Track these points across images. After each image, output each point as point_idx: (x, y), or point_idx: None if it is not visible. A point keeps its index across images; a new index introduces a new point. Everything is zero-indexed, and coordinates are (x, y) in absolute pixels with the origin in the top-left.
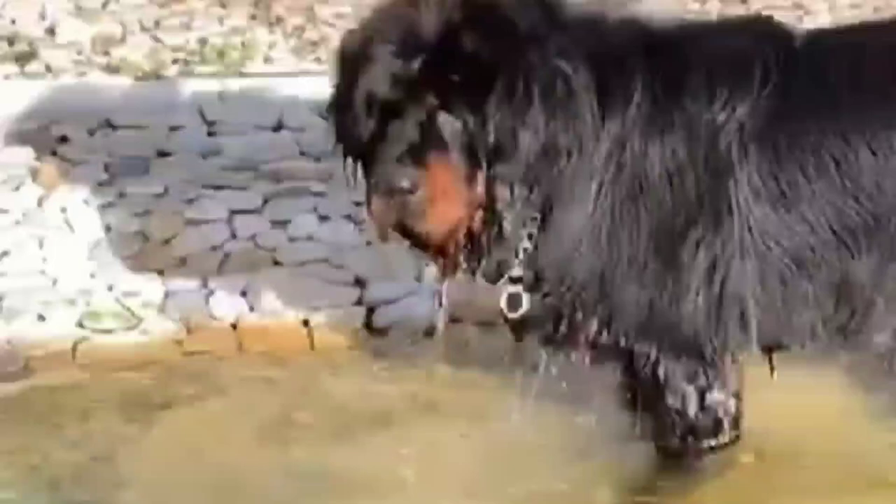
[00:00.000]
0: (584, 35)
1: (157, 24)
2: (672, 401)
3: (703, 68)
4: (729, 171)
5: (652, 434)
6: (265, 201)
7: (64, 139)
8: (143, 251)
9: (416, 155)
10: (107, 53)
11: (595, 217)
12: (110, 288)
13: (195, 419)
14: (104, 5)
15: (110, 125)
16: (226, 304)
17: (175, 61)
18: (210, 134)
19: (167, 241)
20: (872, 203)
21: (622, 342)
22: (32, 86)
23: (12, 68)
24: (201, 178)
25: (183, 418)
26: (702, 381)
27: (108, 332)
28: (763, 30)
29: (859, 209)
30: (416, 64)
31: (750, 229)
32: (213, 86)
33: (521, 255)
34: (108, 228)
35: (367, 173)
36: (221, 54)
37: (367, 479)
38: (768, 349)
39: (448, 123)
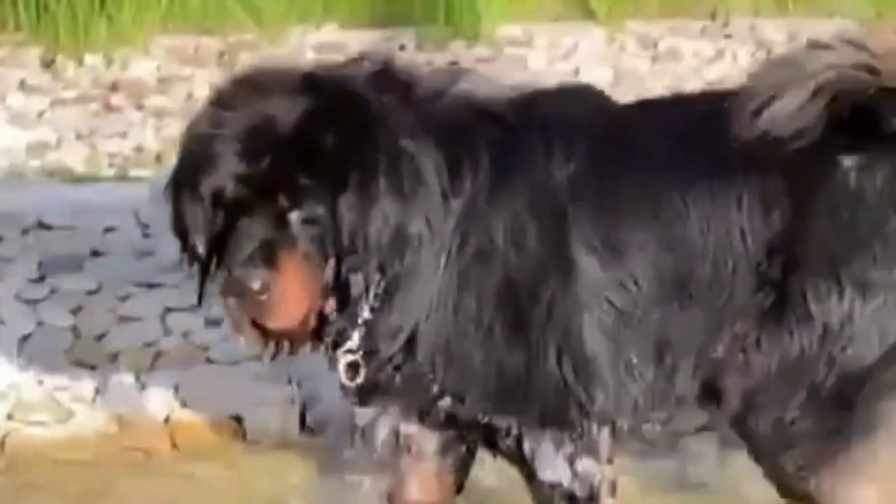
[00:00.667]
0: (430, 110)
1: (92, 132)
2: (543, 474)
3: (538, 132)
4: (567, 228)
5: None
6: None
7: None
8: (75, 346)
9: (267, 254)
10: (41, 158)
11: (441, 286)
12: (41, 382)
13: None
14: (39, 114)
15: (43, 226)
16: (158, 400)
17: (111, 165)
18: (145, 236)
19: (99, 338)
20: (683, 254)
21: (481, 416)
22: None
23: None
24: (135, 277)
25: None
26: (569, 448)
27: (39, 424)
28: (587, 95)
29: (673, 260)
30: (263, 164)
31: (589, 287)
32: (147, 189)
33: (359, 327)
34: (39, 323)
35: (218, 270)
36: (158, 158)
37: None
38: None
39: (298, 222)
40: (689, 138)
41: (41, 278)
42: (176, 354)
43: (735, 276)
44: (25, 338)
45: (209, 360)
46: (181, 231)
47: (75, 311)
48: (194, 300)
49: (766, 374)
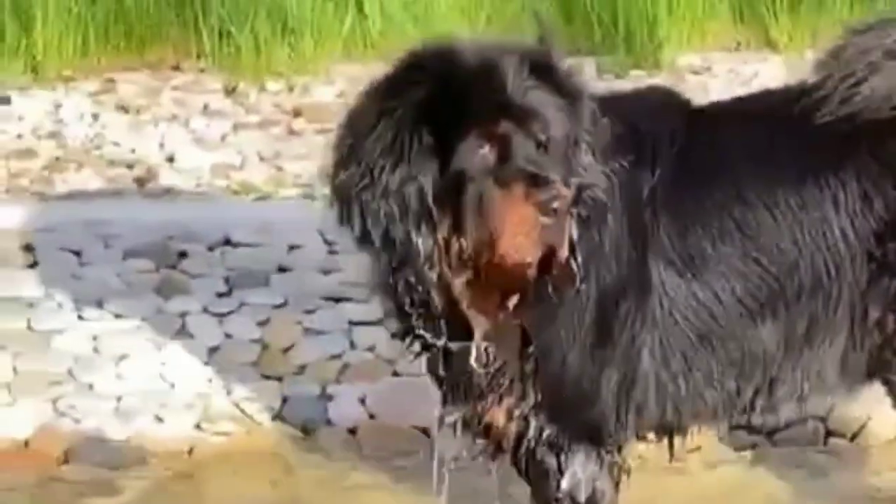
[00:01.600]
0: None
1: (276, 154)
2: (566, 487)
3: (630, 133)
4: (647, 240)
5: None
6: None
7: (183, 254)
8: (262, 358)
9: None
10: (227, 177)
11: None
12: (228, 392)
13: None
14: (222, 138)
15: (229, 243)
16: (345, 410)
17: (295, 185)
18: (330, 252)
19: (286, 350)
20: (774, 265)
21: (535, 425)
22: (152, 204)
23: (133, 188)
24: (320, 291)
25: None
26: (594, 467)
27: (226, 434)
28: (667, 98)
29: (762, 272)
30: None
31: (661, 302)
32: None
33: None
34: (227, 336)
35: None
36: None
37: None
38: (668, 433)
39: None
40: (773, 139)
41: (229, 292)
42: (362, 367)
43: (841, 277)
44: (213, 350)
45: (395, 374)
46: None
47: (262, 324)
48: (379, 314)
49: None
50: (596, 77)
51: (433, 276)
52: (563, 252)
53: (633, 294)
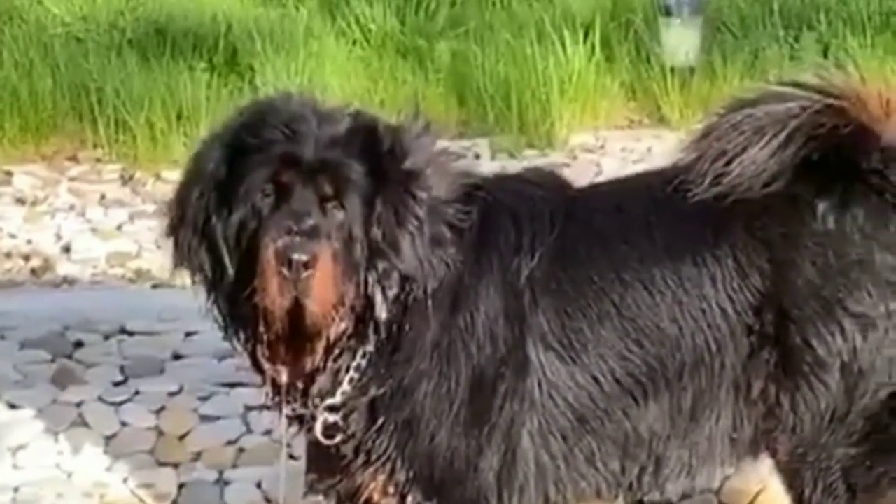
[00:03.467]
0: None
1: None
2: None
3: (510, 215)
4: (526, 322)
5: None
6: None
7: (79, 344)
8: (158, 446)
9: (315, 233)
10: (123, 266)
11: (431, 347)
12: (125, 480)
13: None
14: (119, 227)
15: (125, 331)
16: (241, 495)
17: None
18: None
19: (182, 437)
20: (655, 345)
21: (409, 495)
22: (48, 294)
23: (28, 279)
24: (216, 377)
25: None
26: None
27: None
28: (547, 180)
29: (643, 353)
30: (317, 149)
31: (540, 384)
32: None
33: (345, 384)
34: (122, 424)
35: (263, 249)
36: None
37: None
38: None
39: (340, 216)
40: (649, 219)
41: (125, 381)
42: (258, 452)
43: (723, 351)
44: (110, 438)
45: (291, 457)
46: (200, 251)
47: (158, 412)
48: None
49: (805, 426)
50: (490, 157)
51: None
52: (315, 307)
53: (511, 375)
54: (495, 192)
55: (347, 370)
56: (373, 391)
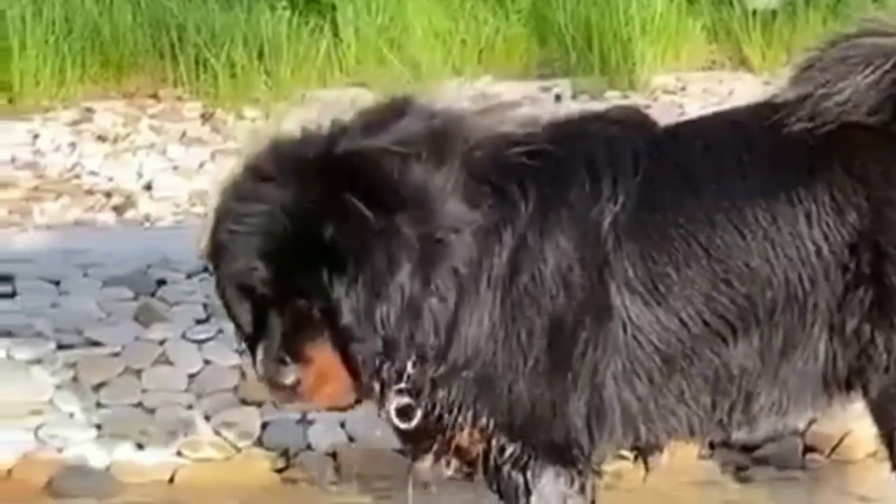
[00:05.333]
0: (468, 156)
1: None
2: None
3: (586, 161)
4: (607, 267)
5: None
6: None
7: (162, 282)
8: (242, 385)
9: (295, 349)
10: (205, 205)
11: (493, 316)
12: (208, 419)
13: None
14: (200, 165)
15: (208, 270)
16: (325, 435)
17: None
18: None
19: None
20: (745, 285)
21: (496, 444)
22: (131, 233)
23: (111, 216)
24: None
25: None
26: (564, 486)
27: (207, 460)
28: (631, 120)
29: (732, 294)
30: (271, 268)
31: (624, 328)
32: None
33: (409, 368)
34: (206, 362)
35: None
36: None
37: None
38: (641, 451)
39: (317, 313)
40: (741, 157)
41: (207, 319)
42: None
43: (816, 289)
44: (193, 376)
45: None
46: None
47: (241, 351)
48: None
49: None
50: (571, 99)
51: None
52: (325, 398)
53: (592, 321)
54: (568, 139)
55: (407, 359)
56: (439, 369)
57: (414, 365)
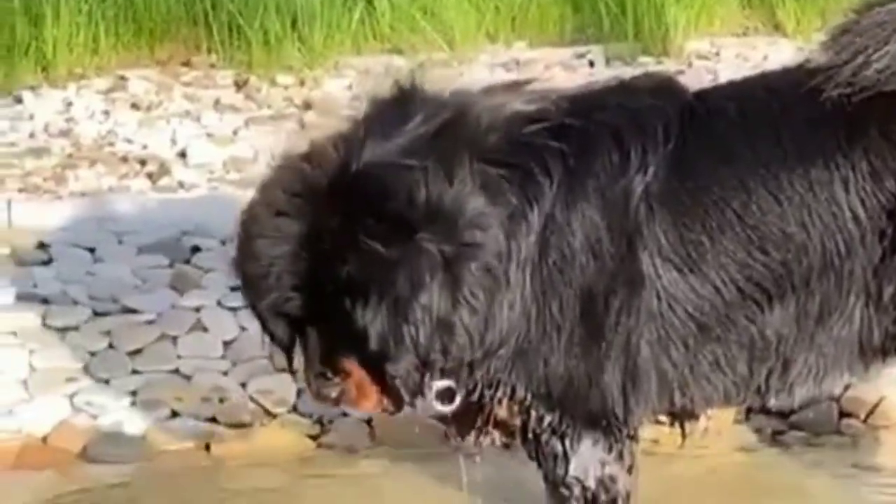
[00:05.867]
0: (485, 139)
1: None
2: (574, 471)
3: (612, 133)
4: (639, 236)
5: None
6: None
7: (196, 249)
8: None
9: (333, 363)
10: (240, 171)
11: (525, 295)
12: (244, 385)
13: None
14: (234, 132)
15: None
16: None
17: None
18: None
19: None
20: (780, 251)
21: (535, 415)
22: (165, 199)
23: (145, 184)
24: None
25: None
26: (602, 452)
27: (242, 427)
28: (660, 87)
29: (767, 260)
30: (302, 299)
31: (658, 295)
32: None
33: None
34: (241, 329)
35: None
36: None
37: None
38: (678, 417)
39: (353, 332)
40: (776, 123)
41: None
42: None
43: (853, 255)
44: (228, 343)
45: None
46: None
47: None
48: None
49: None
50: (605, 65)
51: None
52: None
53: (625, 291)
54: (590, 111)
55: (444, 364)
56: (476, 354)
57: (450, 361)
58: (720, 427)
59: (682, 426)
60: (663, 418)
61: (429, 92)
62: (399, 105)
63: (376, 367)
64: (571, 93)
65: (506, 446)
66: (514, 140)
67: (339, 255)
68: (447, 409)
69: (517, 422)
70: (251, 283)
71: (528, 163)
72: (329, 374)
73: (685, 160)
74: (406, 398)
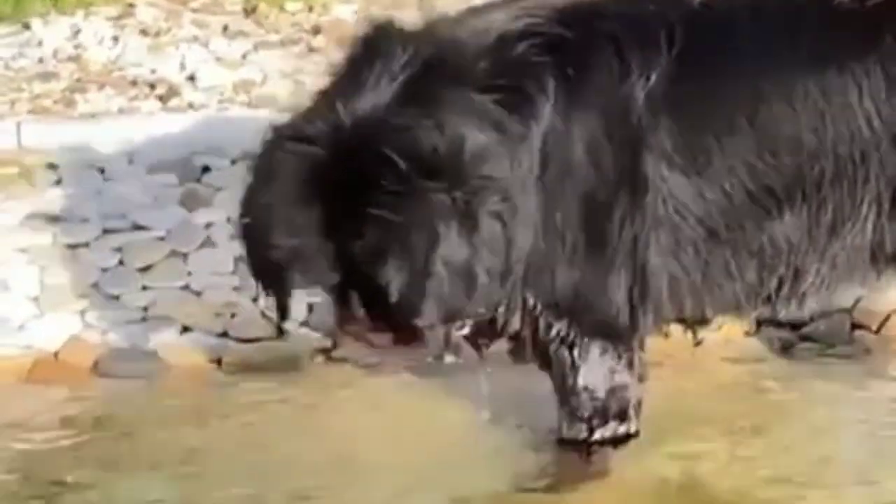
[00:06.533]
0: (472, 64)
1: (297, 70)
2: (584, 380)
3: (611, 42)
4: (641, 143)
5: (558, 423)
6: None
7: (206, 168)
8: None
9: (368, 314)
10: (248, 93)
11: (534, 218)
12: (254, 300)
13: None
14: (243, 56)
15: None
16: None
17: None
18: None
19: None
20: (791, 157)
21: (544, 325)
22: (175, 119)
23: (155, 105)
24: None
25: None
26: (611, 361)
27: (253, 342)
28: None
29: (778, 164)
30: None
31: (664, 201)
32: None
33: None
34: None
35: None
36: None
37: None
38: (690, 323)
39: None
40: (787, 28)
41: None
42: None
43: (867, 163)
44: (239, 259)
45: None
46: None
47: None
48: None
49: None
50: None
51: None
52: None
53: (628, 198)
54: (586, 22)
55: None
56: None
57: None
58: (730, 339)
59: (693, 332)
60: (674, 328)
61: (406, 32)
62: (377, 55)
63: (408, 323)
64: (565, 4)
65: (520, 357)
66: (505, 62)
67: (354, 232)
68: (463, 332)
69: (528, 332)
70: (269, 272)
71: (523, 82)
72: (364, 322)
73: (691, 65)
74: (438, 347)
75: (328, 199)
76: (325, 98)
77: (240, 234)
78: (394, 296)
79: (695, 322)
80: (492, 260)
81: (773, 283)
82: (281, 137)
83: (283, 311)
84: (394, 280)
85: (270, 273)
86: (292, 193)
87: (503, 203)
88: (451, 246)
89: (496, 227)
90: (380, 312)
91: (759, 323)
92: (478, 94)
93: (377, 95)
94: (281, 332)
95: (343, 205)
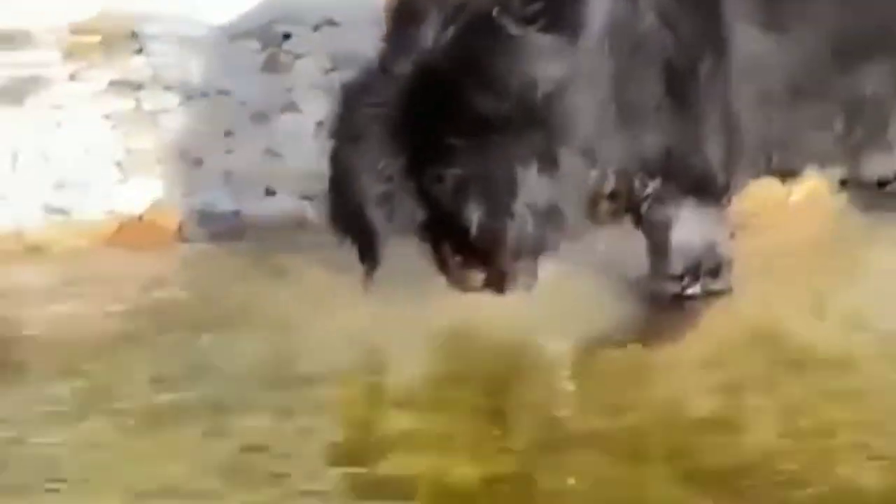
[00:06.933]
0: None
1: None
2: (678, 236)
3: None
4: (719, 3)
5: (650, 279)
6: None
7: (287, 35)
8: None
9: (466, 256)
10: None
11: (612, 103)
12: None
13: None
14: None
15: (332, 23)
16: None
17: None
18: None
19: None
20: (876, 10)
21: (638, 185)
22: None
23: None
24: None
25: None
26: (705, 217)
27: None
28: None
29: (861, 20)
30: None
31: (747, 58)
32: None
33: None
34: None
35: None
36: None
37: None
38: (781, 175)
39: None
40: None
41: (334, 69)
42: None
43: None
44: (321, 124)
45: None
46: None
47: None
48: None
49: None
50: None
51: None
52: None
53: (710, 57)
54: None
55: None
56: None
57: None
58: (816, 197)
59: (783, 182)
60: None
61: None
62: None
63: (500, 265)
64: None
65: (615, 217)
66: None
67: (435, 175)
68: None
69: (622, 191)
70: (357, 221)
71: None
72: (463, 265)
73: None
74: (528, 281)
75: (407, 145)
76: (385, 55)
77: (329, 189)
78: (486, 241)
79: (784, 174)
80: (574, 189)
81: (860, 133)
82: (355, 95)
83: (373, 261)
84: (482, 226)
85: (358, 222)
86: (374, 146)
87: (579, 118)
88: (532, 189)
89: (577, 162)
90: (468, 253)
91: (844, 182)
92: (520, 20)
93: (435, 46)
94: None
95: (423, 148)
